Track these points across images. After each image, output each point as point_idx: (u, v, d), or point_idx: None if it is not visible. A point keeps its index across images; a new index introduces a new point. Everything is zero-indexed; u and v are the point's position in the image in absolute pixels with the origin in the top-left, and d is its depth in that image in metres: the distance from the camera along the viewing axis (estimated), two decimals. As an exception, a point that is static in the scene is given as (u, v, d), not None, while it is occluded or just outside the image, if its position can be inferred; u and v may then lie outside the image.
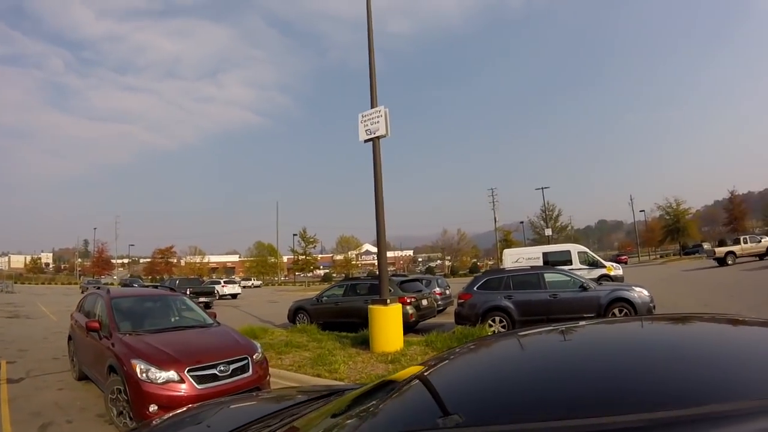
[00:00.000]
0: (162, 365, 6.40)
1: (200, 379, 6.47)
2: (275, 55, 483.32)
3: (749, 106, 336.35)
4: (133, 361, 6.47)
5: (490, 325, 13.10)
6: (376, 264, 12.13)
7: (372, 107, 11.97)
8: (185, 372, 6.39)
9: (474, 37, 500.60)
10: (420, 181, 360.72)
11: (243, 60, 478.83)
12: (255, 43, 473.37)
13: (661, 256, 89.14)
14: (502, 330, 12.99)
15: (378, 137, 11.72)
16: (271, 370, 9.59)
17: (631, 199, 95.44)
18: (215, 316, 9.15)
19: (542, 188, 78.21)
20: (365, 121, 11.82)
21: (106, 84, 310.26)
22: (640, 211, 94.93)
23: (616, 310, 12.73)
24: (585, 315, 12.77)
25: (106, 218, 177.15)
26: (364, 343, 11.34)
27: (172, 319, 8.76)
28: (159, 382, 6.28)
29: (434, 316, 17.20)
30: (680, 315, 2.36)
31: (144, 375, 6.30)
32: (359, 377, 8.65)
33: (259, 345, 7.88)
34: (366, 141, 11.88)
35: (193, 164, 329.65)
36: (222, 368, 6.71)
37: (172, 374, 6.34)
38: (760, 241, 40.00)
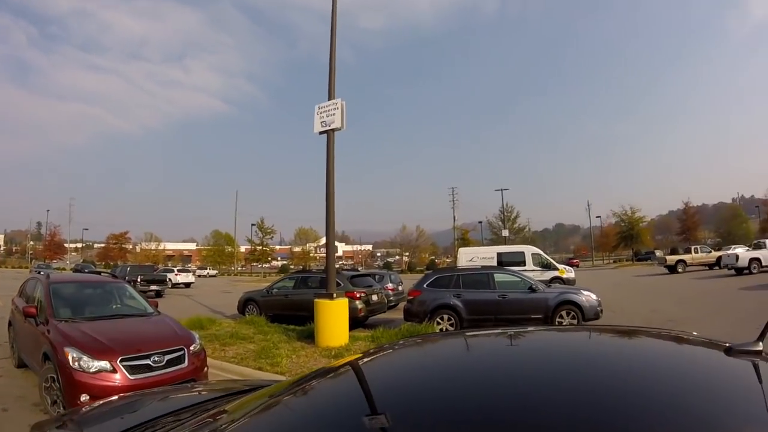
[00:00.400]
0: (95, 354, 6.23)
1: (133, 370, 6.32)
2: (244, 43, 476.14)
3: (707, 123, 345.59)
4: (66, 349, 6.28)
5: (438, 323, 13.14)
6: (332, 255, 12.00)
7: (329, 99, 11.83)
8: (118, 362, 6.23)
9: (443, 38, 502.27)
10: (382, 176, 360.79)
11: (211, 45, 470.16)
12: (224, 29, 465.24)
13: (614, 261, 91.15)
14: (450, 328, 13.07)
15: (333, 130, 11.60)
16: (213, 362, 9.52)
17: (588, 205, 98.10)
18: (157, 306, 8.95)
19: (502, 190, 79.40)
20: (321, 113, 11.68)
21: (70, 62, 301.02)
22: (597, 216, 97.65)
23: (563, 313, 12.94)
24: (533, 316, 12.92)
25: (60, 201, 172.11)
26: (310, 337, 11.25)
27: (112, 307, 8.52)
28: (91, 371, 6.11)
29: (384, 312, 17.22)
30: (613, 327, 2.38)
31: (76, 364, 6.12)
32: (300, 371, 8.56)
33: (197, 336, 7.73)
34: (321, 133, 11.73)
35: (154, 149, 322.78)
36: (156, 359, 6.56)
37: (104, 364, 6.18)
38: (711, 252, 41.25)
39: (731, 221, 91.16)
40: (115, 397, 3.26)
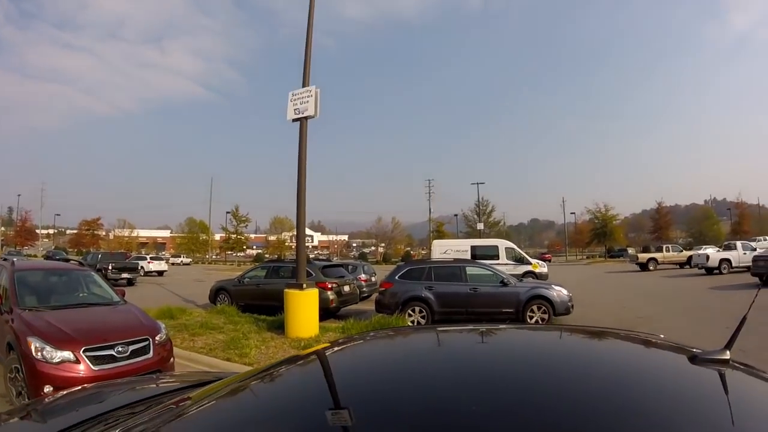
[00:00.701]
0: (58, 344, 6.13)
1: (96, 360, 6.22)
2: (226, 27, 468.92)
3: (684, 126, 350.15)
4: (29, 339, 6.17)
5: (410, 315, 13.15)
6: (302, 245, 11.95)
7: (303, 86, 11.73)
8: (81, 352, 6.14)
9: (425, 31, 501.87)
10: (360, 167, 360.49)
11: (192, 28, 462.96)
12: (206, 11, 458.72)
13: (587, 258, 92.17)
14: (422, 321, 13.12)
15: (306, 117, 11.51)
16: (182, 352, 9.46)
17: (563, 201, 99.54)
18: (124, 294, 8.80)
19: (478, 183, 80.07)
20: (295, 100, 11.56)
21: (44, 39, 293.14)
22: (571, 213, 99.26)
23: (534, 307, 13.04)
24: (504, 310, 13.00)
25: (32, 185, 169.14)
26: (281, 328, 11.19)
27: (77, 296, 8.35)
28: (54, 361, 6.02)
29: (357, 303, 17.23)
30: (582, 328, 2.38)
31: (39, 354, 6.02)
32: (268, 362, 8.52)
33: (163, 326, 7.63)
34: (294, 120, 11.62)
35: (129, 133, 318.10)
36: (120, 349, 6.47)
37: (67, 354, 6.08)
38: (682, 251, 42.16)
39: (703, 222, 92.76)
40: (78, 388, 3.17)
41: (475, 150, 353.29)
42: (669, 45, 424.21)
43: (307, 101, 11.41)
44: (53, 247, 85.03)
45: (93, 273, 9.40)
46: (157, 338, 7.06)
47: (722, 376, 1.42)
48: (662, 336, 2.17)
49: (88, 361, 6.14)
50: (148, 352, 6.82)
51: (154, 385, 3.19)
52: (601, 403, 1.27)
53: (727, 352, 1.50)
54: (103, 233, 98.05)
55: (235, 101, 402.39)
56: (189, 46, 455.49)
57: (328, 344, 2.22)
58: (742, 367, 1.54)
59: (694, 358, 1.52)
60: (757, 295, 2.04)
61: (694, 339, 10.98)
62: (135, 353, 6.64)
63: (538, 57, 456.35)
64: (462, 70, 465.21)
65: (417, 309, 13.29)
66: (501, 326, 2.39)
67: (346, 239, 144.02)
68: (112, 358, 6.38)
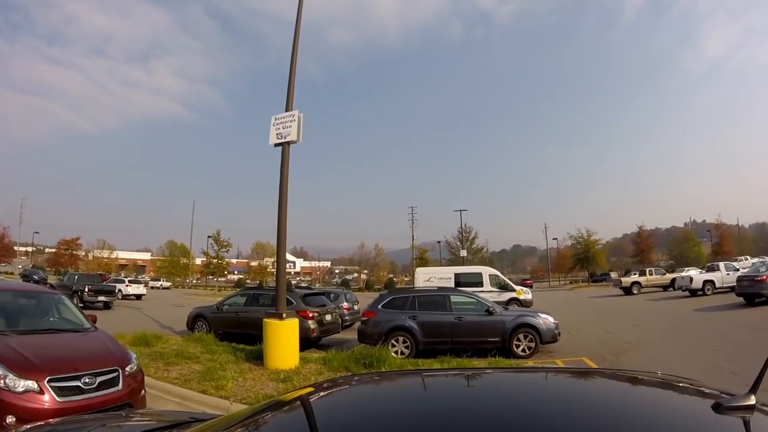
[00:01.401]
0: (21, 372, 5.75)
1: (62, 391, 5.85)
2: (211, 49, 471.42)
3: (662, 151, 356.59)
4: None
5: (393, 345, 12.87)
6: (282, 272, 11.66)
7: (287, 110, 11.55)
8: (45, 382, 5.77)
9: (407, 59, 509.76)
10: (343, 193, 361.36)
11: (177, 49, 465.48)
12: (192, 33, 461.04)
13: (570, 282, 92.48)
14: (405, 351, 12.84)
15: (289, 142, 11.32)
16: (156, 382, 9.09)
17: (545, 227, 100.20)
18: (95, 321, 8.40)
19: (461, 210, 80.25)
20: (277, 124, 11.38)
21: (31, 52, 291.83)
22: (553, 238, 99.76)
23: (521, 336, 12.87)
24: (489, 339, 12.84)
25: (10, 200, 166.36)
26: (260, 358, 10.81)
27: (46, 320, 7.95)
28: (17, 391, 5.64)
29: (339, 332, 16.88)
30: (587, 370, 2.22)
31: (2, 382, 5.63)
32: (246, 396, 8.19)
33: (134, 355, 7.26)
34: (276, 145, 11.44)
35: (111, 151, 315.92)
36: (87, 380, 6.09)
37: (31, 383, 5.71)
38: (665, 274, 42.34)
39: (683, 244, 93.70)
40: (42, 423, 3.05)
41: (457, 177, 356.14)
42: (646, 72, 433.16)
43: (290, 126, 11.22)
44: (31, 266, 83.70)
45: (63, 297, 9.00)
46: (127, 369, 6.69)
47: (747, 425, 1.24)
48: (659, 373, 2.01)
49: (52, 392, 5.78)
50: (117, 384, 6.43)
51: (123, 424, 3.06)
52: None
53: (753, 397, 1.31)
54: (82, 253, 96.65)
55: (219, 124, 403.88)
56: (173, 67, 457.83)
57: (312, 388, 2.06)
58: None
59: (718, 407, 1.31)
60: None
61: (683, 363, 10.86)
62: (103, 385, 6.26)
63: (517, 85, 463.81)
64: (444, 98, 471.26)
65: (401, 339, 13.02)
66: (492, 370, 2.25)
67: (329, 266, 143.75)
68: (78, 390, 6.01)
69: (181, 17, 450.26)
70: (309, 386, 2.11)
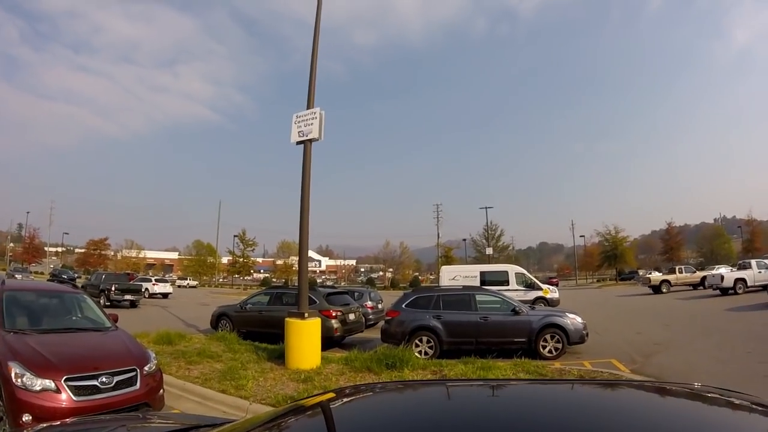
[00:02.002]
0: (38, 371, 5.75)
1: (78, 390, 5.82)
2: (237, 53, 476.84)
3: (691, 145, 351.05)
4: (10, 364, 5.79)
5: (417, 345, 12.65)
6: (304, 271, 11.54)
7: (308, 108, 11.43)
8: (62, 381, 5.75)
9: (432, 56, 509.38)
10: (369, 191, 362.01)
11: (203, 54, 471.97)
12: (218, 38, 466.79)
13: (597, 281, 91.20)
14: (429, 351, 12.64)
15: (310, 140, 11.19)
16: (176, 381, 9.04)
17: (572, 224, 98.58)
18: (116, 320, 8.38)
19: (486, 207, 79.68)
20: (299, 122, 11.27)
21: (59, 61, 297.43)
22: (580, 236, 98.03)
23: (548, 336, 12.60)
24: (515, 340, 12.58)
25: (41, 202, 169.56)
26: (281, 357, 10.71)
27: (66, 320, 7.96)
28: (35, 390, 5.65)
29: (362, 331, 16.76)
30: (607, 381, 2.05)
31: (20, 380, 5.65)
32: (265, 396, 8.06)
33: (153, 355, 7.21)
34: (298, 143, 11.33)
35: (139, 155, 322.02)
36: (104, 380, 6.05)
37: (48, 382, 5.70)
38: (695, 272, 41.35)
39: (713, 241, 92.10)
40: (58, 423, 3.02)
41: (483, 174, 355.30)
42: (674, 63, 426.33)
43: (312, 123, 11.10)
44: (60, 266, 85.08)
45: (86, 296, 9.04)
46: (145, 369, 6.64)
47: None
48: (698, 384, 1.79)
49: (69, 392, 5.76)
50: (135, 384, 6.39)
51: (140, 426, 3.03)
52: None
53: None
54: (111, 253, 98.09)
55: (244, 125, 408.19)
56: (200, 72, 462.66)
57: (333, 394, 2.06)
58: None
59: None
60: None
61: (716, 366, 10.50)
62: (120, 384, 6.22)
63: (543, 80, 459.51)
64: (468, 95, 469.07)
65: (425, 339, 12.82)
66: (517, 381, 2.12)
67: (354, 264, 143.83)
68: (95, 389, 5.98)
69: (206, 22, 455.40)
70: (330, 392, 2.10)
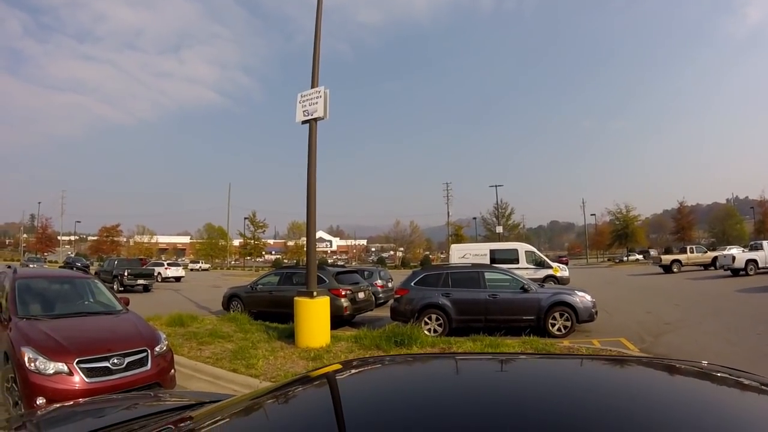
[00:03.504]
0: (51, 355, 5.85)
1: (90, 372, 5.93)
2: (241, 35, 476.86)
3: (704, 125, 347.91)
4: (23, 349, 5.91)
5: (426, 323, 12.72)
6: (312, 251, 11.60)
7: (312, 87, 11.40)
8: (74, 363, 5.85)
9: (440, 34, 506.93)
10: (379, 171, 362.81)
11: (207, 37, 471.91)
12: (221, 21, 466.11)
13: (608, 260, 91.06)
14: (438, 329, 12.70)
15: (315, 119, 11.17)
16: (187, 361, 9.16)
17: (583, 203, 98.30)
18: (127, 303, 8.50)
19: (496, 186, 79.36)
20: (304, 101, 11.23)
21: (63, 51, 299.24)
22: (591, 214, 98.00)
23: (557, 314, 12.60)
24: (524, 317, 12.60)
25: (53, 192, 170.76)
26: (291, 337, 10.81)
27: (77, 305, 8.06)
28: (48, 373, 5.75)
29: (372, 310, 16.86)
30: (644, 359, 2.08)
31: (33, 365, 5.76)
32: (275, 374, 8.17)
33: (163, 336, 7.30)
34: (303, 122, 11.31)
35: (147, 141, 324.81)
36: (116, 361, 6.14)
37: (61, 365, 5.81)
38: (706, 252, 41.23)
39: (726, 221, 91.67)
40: (71, 403, 3.08)
41: (493, 152, 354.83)
42: (685, 41, 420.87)
43: (317, 102, 11.06)
44: (74, 254, 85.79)
45: (96, 281, 9.16)
46: (156, 349, 6.73)
47: None
48: (705, 363, 1.79)
49: (81, 373, 5.87)
50: (146, 364, 6.49)
51: (151, 403, 3.04)
52: None
53: None
54: (123, 239, 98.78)
55: (251, 108, 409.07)
56: (205, 55, 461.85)
57: (340, 365, 2.10)
58: None
59: None
60: None
61: (725, 347, 10.49)
62: (131, 365, 6.32)
63: (553, 57, 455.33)
64: (477, 73, 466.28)
65: (434, 317, 12.88)
66: (526, 356, 2.15)
67: (365, 244, 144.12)
68: (107, 371, 6.08)
69: (209, 5, 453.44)
70: (337, 363, 2.15)
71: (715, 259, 36.75)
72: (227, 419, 1.56)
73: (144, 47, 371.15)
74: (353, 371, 2.04)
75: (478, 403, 1.42)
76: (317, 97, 11.09)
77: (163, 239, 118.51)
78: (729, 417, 1.23)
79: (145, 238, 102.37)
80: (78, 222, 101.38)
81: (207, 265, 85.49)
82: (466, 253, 26.51)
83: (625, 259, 79.48)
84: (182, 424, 1.60)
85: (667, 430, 1.12)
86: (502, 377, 1.83)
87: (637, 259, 75.27)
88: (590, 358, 2.18)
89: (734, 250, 34.97)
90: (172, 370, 7.09)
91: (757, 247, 31.16)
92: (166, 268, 43.39)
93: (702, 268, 39.12)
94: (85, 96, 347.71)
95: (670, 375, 1.69)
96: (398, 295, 13.76)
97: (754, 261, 29.69)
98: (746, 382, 1.49)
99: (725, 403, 1.41)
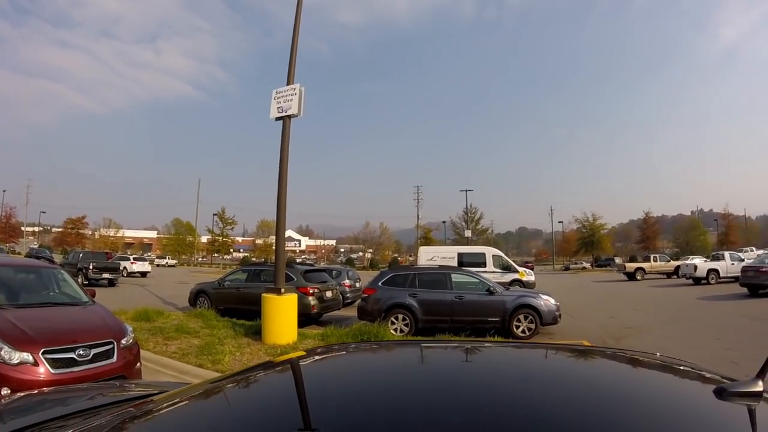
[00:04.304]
0: (16, 344, 5.78)
1: (56, 363, 5.88)
2: (220, 29, 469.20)
3: (671, 137, 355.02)
4: None
5: (393, 323, 12.86)
6: (281, 247, 11.64)
7: (288, 84, 11.46)
8: (40, 354, 5.81)
9: (417, 38, 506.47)
10: (350, 172, 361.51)
11: (186, 29, 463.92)
12: (201, 13, 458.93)
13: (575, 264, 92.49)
14: (405, 329, 12.83)
15: (289, 116, 11.24)
16: (154, 356, 9.15)
17: (551, 210, 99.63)
18: (94, 295, 8.44)
19: (466, 190, 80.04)
20: (278, 98, 11.31)
21: (39, 36, 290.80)
22: (559, 222, 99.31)
23: (521, 317, 12.79)
24: (489, 319, 12.78)
25: (17, 180, 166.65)
26: (258, 333, 10.85)
27: (43, 294, 7.98)
28: (12, 363, 5.68)
29: (339, 309, 16.95)
30: (585, 348, 2.29)
31: (-3, 354, 5.70)
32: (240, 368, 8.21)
33: (130, 328, 7.27)
34: (277, 119, 11.37)
35: (118, 132, 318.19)
36: (82, 352, 6.11)
37: (26, 355, 5.74)
38: (669, 261, 42.51)
39: (690, 232, 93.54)
40: (36, 391, 3.09)
41: (464, 157, 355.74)
42: (658, 56, 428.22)
43: (291, 99, 11.14)
44: (38, 245, 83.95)
45: (63, 271, 9.05)
46: (122, 342, 6.71)
47: (752, 413, 1.13)
48: (658, 354, 1.94)
49: (47, 364, 5.81)
50: (112, 356, 6.46)
51: (116, 393, 3.01)
52: None
53: (760, 382, 1.20)
54: (89, 232, 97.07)
55: (226, 103, 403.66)
56: (183, 47, 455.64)
57: (304, 353, 2.09)
58: None
59: (721, 392, 1.22)
60: None
61: (685, 350, 10.78)
62: (97, 357, 6.29)
63: (528, 65, 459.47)
64: (453, 78, 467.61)
65: (400, 317, 13.00)
66: (490, 343, 2.21)
67: (334, 244, 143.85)
68: (72, 362, 6.04)
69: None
70: (302, 350, 2.14)
71: (677, 268, 37.73)
72: (187, 401, 1.57)
73: (121, 35, 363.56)
74: (317, 357, 2.07)
75: (441, 386, 1.50)
76: (292, 94, 11.16)
77: (130, 233, 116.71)
78: (665, 395, 1.40)
79: (111, 232, 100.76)
80: (43, 212, 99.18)
81: (174, 261, 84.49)
82: (434, 256, 26.66)
83: (570, 267, 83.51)
84: (143, 408, 1.62)
85: (617, 408, 1.25)
86: (465, 362, 1.91)
87: (584, 267, 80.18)
88: (551, 347, 2.31)
89: (696, 260, 35.86)
90: (138, 364, 7.07)
91: (719, 258, 32.06)
92: (132, 263, 42.71)
93: (665, 276, 40.10)
94: (58, 83, 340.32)
95: (623, 363, 1.81)
96: (366, 295, 13.85)
97: (716, 271, 30.49)
98: (688, 369, 1.64)
99: (667, 385, 1.57)
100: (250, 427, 1.26)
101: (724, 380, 1.37)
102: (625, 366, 1.79)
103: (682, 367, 1.69)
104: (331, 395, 1.47)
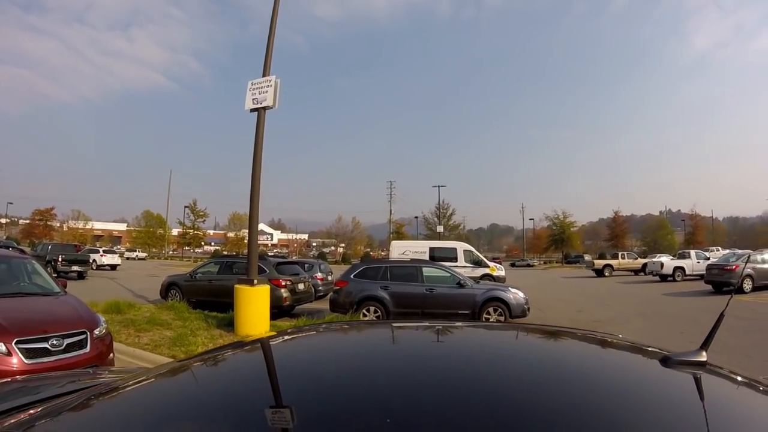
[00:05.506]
0: None
1: (29, 353, 5.90)
2: (195, 19, 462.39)
3: (641, 138, 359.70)
4: None
5: (364, 315, 12.98)
6: (254, 238, 11.72)
7: (264, 76, 11.47)
8: (13, 344, 5.83)
9: (393, 35, 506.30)
10: (323, 166, 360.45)
11: (160, 18, 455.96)
12: (176, 3, 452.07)
13: (544, 263, 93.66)
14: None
15: (264, 108, 11.24)
16: (126, 348, 9.15)
17: (522, 208, 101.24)
18: (65, 285, 8.43)
19: (439, 186, 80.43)
20: (254, 89, 11.28)
21: (8, 20, 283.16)
22: (530, 219, 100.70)
23: (491, 309, 13.01)
24: (460, 312, 12.97)
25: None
26: (231, 325, 10.93)
27: (15, 284, 7.93)
28: (-15, 352, 5.71)
29: (311, 302, 17.03)
30: (539, 327, 2.32)
31: (-31, 344, 5.71)
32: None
33: (103, 319, 7.30)
34: (252, 110, 11.36)
35: (88, 121, 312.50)
36: (55, 342, 6.14)
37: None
38: (637, 259, 43.59)
39: (657, 232, 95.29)
40: (8, 380, 2.90)
41: (437, 154, 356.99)
42: (631, 60, 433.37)
43: (267, 91, 11.13)
44: (5, 237, 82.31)
45: (34, 261, 8.99)
46: (95, 332, 6.74)
47: (698, 381, 1.27)
48: (620, 336, 2.09)
49: (20, 354, 5.83)
50: (85, 346, 6.49)
51: (90, 379, 3.07)
52: (566, 409, 1.13)
53: (704, 353, 1.35)
54: (57, 224, 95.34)
55: (199, 94, 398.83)
56: (156, 37, 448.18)
57: (274, 332, 2.17)
58: (720, 370, 1.39)
59: (666, 360, 1.36)
60: (731, 297, 1.90)
61: (651, 342, 11.06)
62: (70, 347, 6.31)
63: (504, 66, 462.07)
64: (429, 76, 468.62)
65: (372, 309, 13.15)
66: (460, 324, 2.30)
67: (306, 238, 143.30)
68: (46, 352, 6.06)
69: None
70: (272, 331, 2.18)
71: (645, 265, 38.93)
72: (155, 379, 1.59)
73: (93, 22, 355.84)
74: (288, 337, 2.11)
75: (411, 362, 1.57)
76: (267, 86, 11.16)
77: (99, 225, 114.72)
78: (618, 366, 1.59)
79: (80, 224, 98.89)
80: (10, 204, 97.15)
81: (144, 254, 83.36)
82: (406, 250, 26.78)
83: (517, 263, 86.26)
84: (112, 385, 1.63)
85: (576, 376, 1.40)
86: (436, 341, 1.98)
87: (528, 264, 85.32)
88: (520, 328, 2.43)
89: (663, 258, 36.67)
90: (111, 354, 7.11)
91: (685, 256, 33.15)
92: (101, 255, 42.07)
93: (633, 273, 40.90)
94: (26, 69, 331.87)
95: (588, 343, 1.91)
96: (338, 287, 13.98)
97: (682, 268, 31.50)
98: (648, 349, 1.76)
99: (618, 359, 1.73)
100: (222, 404, 1.28)
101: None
102: (584, 343, 1.91)
103: (633, 344, 1.85)
104: (303, 373, 1.51)
